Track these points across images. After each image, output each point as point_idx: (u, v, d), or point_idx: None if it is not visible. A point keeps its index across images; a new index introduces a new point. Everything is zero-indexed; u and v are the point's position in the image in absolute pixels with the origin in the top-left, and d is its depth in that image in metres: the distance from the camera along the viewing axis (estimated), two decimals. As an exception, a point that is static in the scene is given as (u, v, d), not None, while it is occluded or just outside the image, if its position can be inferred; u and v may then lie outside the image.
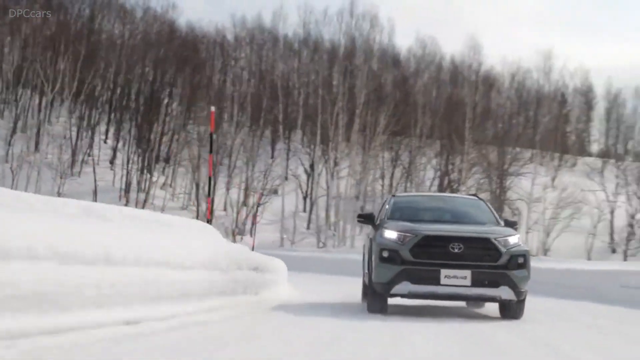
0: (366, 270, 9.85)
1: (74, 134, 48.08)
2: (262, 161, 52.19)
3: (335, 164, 49.26)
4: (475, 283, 7.83)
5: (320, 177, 50.35)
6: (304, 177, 53.57)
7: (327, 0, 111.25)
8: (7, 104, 50.47)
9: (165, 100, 51.30)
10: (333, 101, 51.44)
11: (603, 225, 49.65)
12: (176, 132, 50.52)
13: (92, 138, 48.43)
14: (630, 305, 11.42)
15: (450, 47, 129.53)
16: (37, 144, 46.99)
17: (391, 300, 8.94)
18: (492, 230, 8.47)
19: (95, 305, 5.07)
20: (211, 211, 21.81)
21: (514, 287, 7.89)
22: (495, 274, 7.88)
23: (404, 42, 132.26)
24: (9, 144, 46.01)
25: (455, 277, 7.81)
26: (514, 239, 8.25)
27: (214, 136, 23.84)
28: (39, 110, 48.70)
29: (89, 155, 46.96)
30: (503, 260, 7.94)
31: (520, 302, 8.21)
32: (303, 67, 66.83)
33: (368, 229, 10.77)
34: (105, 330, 5.06)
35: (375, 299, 8.46)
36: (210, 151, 19.02)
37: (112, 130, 52.18)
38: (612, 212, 50.63)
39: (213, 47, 64.82)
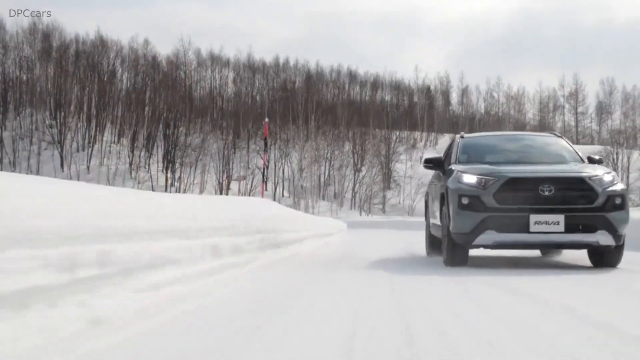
0: (433, 221, 9.32)
1: (123, 153, 75.93)
2: (235, 157, 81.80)
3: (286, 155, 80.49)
4: (569, 228, 6.79)
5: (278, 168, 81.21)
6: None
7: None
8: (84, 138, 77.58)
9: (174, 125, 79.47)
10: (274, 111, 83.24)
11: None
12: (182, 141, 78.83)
13: (133, 154, 76.36)
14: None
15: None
16: (101, 159, 74.68)
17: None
18: (584, 169, 7.40)
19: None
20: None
21: (613, 231, 6.86)
22: (592, 217, 6.85)
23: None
24: (89, 161, 73.79)
25: (546, 222, 6.79)
26: (608, 177, 7.14)
27: (267, 140, 52.74)
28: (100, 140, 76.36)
29: (141, 166, 74.95)
30: (600, 201, 6.88)
31: (619, 248, 7.13)
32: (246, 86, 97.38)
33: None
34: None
35: (456, 251, 7.38)
36: (265, 150, 47.69)
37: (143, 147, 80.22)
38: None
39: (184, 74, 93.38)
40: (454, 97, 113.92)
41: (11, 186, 3.31)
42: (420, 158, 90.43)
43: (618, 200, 6.98)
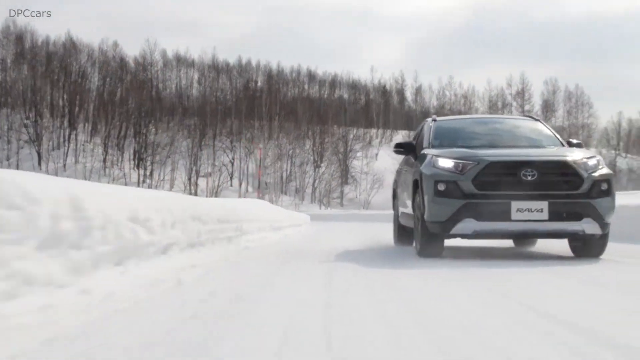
0: (403, 210, 9.14)
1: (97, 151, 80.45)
2: (203, 155, 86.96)
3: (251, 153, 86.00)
4: (553, 216, 6.42)
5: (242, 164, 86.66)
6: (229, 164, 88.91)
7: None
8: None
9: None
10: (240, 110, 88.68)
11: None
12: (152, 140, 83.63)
13: (107, 152, 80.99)
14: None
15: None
16: (76, 158, 79.11)
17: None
18: (567, 152, 7.02)
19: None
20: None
21: (599, 219, 6.50)
22: (578, 204, 6.48)
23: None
24: (65, 159, 78.17)
25: (528, 210, 6.40)
26: (593, 161, 6.79)
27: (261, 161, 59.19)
28: (73, 137, 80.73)
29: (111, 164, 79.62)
30: (585, 187, 6.51)
31: (604, 237, 6.80)
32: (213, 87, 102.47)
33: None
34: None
35: (431, 241, 7.00)
36: (260, 167, 54.18)
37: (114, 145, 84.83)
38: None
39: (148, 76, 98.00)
40: (409, 96, 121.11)
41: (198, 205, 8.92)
42: (376, 155, 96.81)
43: (604, 186, 6.63)
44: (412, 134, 9.51)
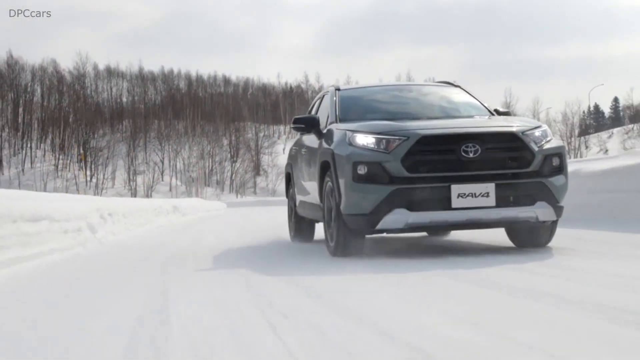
0: (302, 198, 7.69)
1: (44, 157, 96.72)
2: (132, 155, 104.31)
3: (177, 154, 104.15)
4: (501, 201, 5.26)
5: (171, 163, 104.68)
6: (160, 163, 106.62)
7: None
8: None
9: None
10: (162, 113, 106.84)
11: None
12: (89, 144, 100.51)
13: (58, 158, 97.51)
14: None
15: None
16: (32, 164, 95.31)
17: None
18: (509, 122, 5.80)
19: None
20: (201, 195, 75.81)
21: (553, 201, 5.43)
22: (529, 185, 5.35)
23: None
24: (23, 165, 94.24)
25: (472, 195, 5.19)
26: (539, 132, 5.59)
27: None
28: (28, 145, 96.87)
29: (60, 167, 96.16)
30: (536, 163, 5.38)
31: (554, 223, 5.76)
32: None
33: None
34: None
35: (350, 239, 5.72)
36: (198, 179, 72.22)
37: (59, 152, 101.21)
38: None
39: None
40: (309, 94, 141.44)
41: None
42: (283, 149, 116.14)
43: (556, 161, 5.50)
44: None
